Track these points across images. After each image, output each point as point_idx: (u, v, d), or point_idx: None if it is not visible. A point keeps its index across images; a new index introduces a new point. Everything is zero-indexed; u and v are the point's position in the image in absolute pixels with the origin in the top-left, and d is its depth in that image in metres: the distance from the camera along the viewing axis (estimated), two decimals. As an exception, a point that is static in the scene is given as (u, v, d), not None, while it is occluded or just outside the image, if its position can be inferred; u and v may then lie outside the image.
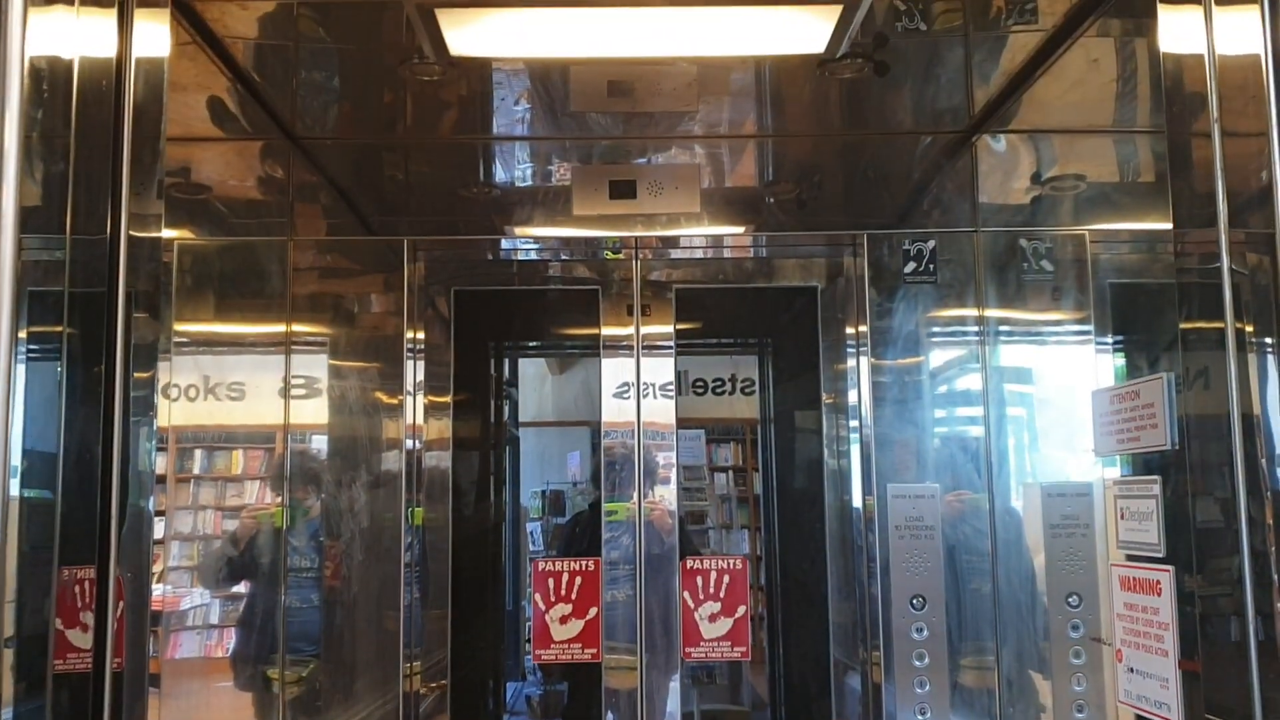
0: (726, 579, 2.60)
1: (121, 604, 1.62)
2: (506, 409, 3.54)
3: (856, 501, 2.68)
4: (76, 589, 1.55)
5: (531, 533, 3.76)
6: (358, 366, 2.76)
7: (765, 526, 3.15)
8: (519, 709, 3.43)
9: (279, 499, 2.40)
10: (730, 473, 3.68)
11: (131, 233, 1.66)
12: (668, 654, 2.59)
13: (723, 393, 3.49)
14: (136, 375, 1.67)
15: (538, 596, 2.59)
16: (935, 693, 2.44)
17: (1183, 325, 1.52)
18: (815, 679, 2.77)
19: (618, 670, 2.61)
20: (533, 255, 2.86)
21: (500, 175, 2.69)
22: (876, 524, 2.47)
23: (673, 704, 2.65)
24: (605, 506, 2.66)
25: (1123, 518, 1.77)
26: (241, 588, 2.27)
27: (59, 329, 1.53)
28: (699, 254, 2.83)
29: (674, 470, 2.70)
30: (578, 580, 2.58)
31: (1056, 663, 2.13)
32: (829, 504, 2.81)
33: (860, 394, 2.69)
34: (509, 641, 3.19)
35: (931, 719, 2.42)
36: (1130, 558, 1.77)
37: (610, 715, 2.63)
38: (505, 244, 2.86)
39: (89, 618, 1.57)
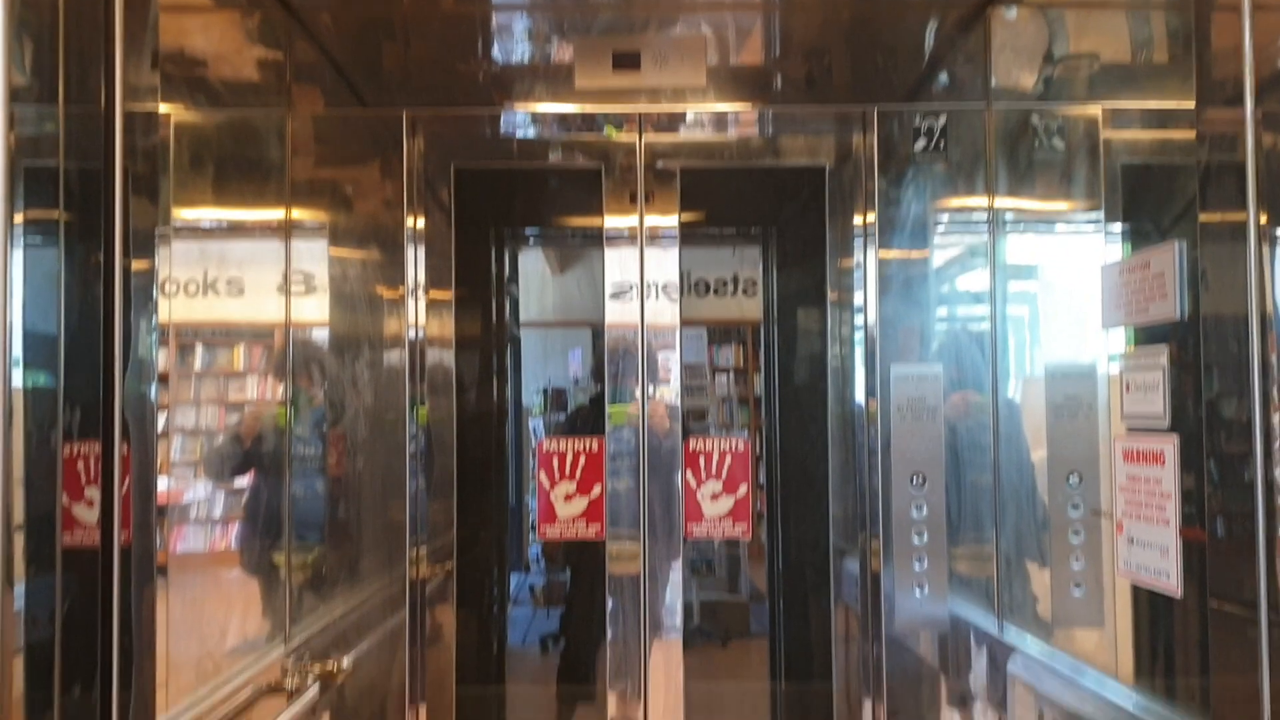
0: (729, 459, 2.62)
1: (128, 480, 1.63)
2: (508, 307, 3.53)
3: (859, 396, 2.68)
4: (81, 465, 1.56)
5: (534, 429, 3.78)
6: (358, 256, 2.74)
7: (766, 426, 3.16)
8: (522, 598, 3.48)
9: (281, 396, 2.40)
10: (732, 373, 3.68)
11: (127, 105, 1.63)
12: (669, 535, 2.62)
13: (725, 294, 3.49)
14: (135, 262, 1.66)
15: (542, 475, 2.62)
16: (933, 571, 2.47)
17: (1202, 216, 1.50)
18: (814, 568, 2.80)
19: (620, 559, 2.64)
20: (534, 132, 2.82)
21: (501, 47, 2.63)
22: (879, 405, 2.49)
23: (673, 595, 2.68)
24: (608, 409, 2.67)
25: (1128, 390, 1.78)
26: (246, 481, 2.28)
27: (55, 214, 1.52)
28: (704, 132, 2.78)
29: (676, 371, 2.69)
30: (581, 460, 2.60)
31: (1055, 542, 2.15)
32: (831, 401, 2.82)
33: (866, 283, 2.68)
34: (512, 534, 3.22)
35: (929, 594, 2.46)
36: (1133, 431, 1.77)
37: (612, 602, 2.66)
38: (506, 118, 2.81)
39: (94, 494, 1.58)
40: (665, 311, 2.68)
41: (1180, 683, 1.79)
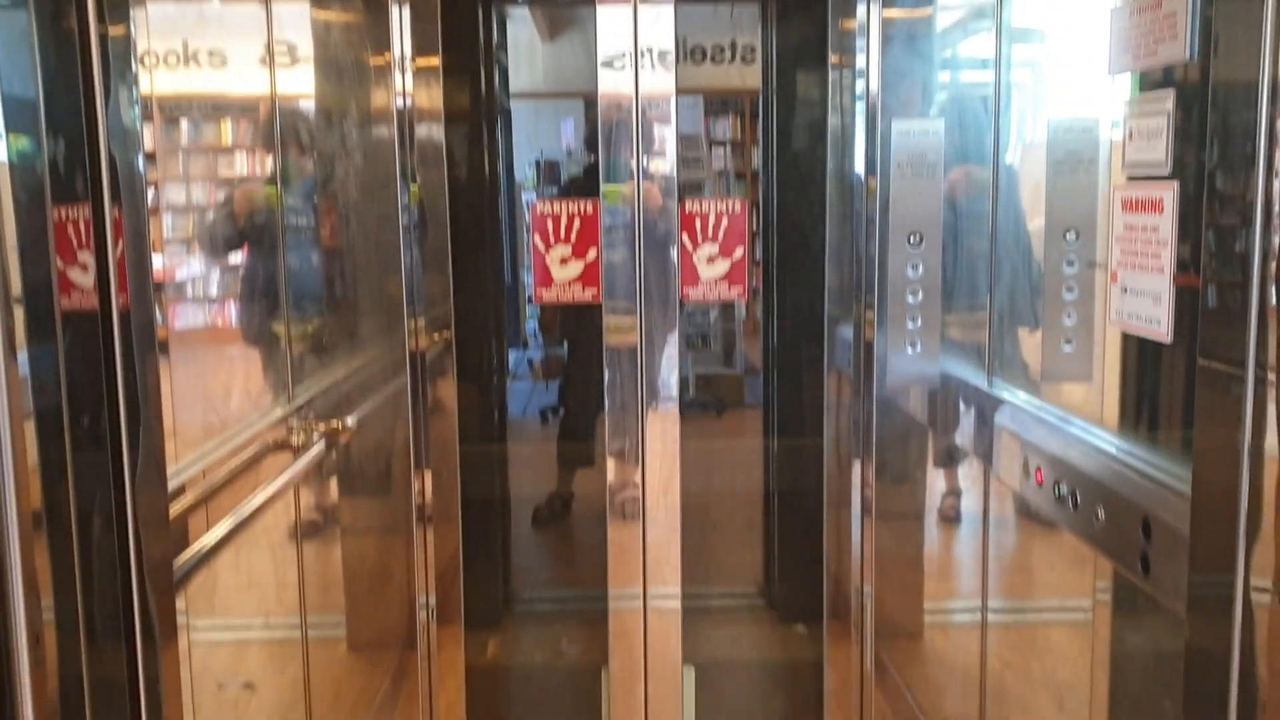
0: (725, 221, 2.61)
1: (121, 243, 1.62)
2: (498, 77, 3.43)
3: (859, 158, 2.64)
4: (72, 230, 1.54)
5: (527, 202, 3.75)
6: (343, 20, 2.64)
7: (764, 196, 3.13)
8: (521, 373, 3.54)
9: (272, 170, 2.36)
10: (729, 146, 3.63)
11: None
12: (665, 302, 2.63)
13: (723, 60, 3.38)
14: (111, 28, 1.59)
15: (537, 238, 2.61)
16: (926, 330, 2.50)
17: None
18: (808, 337, 2.83)
19: (618, 331, 2.67)
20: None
21: None
22: (879, 163, 2.45)
23: (669, 364, 2.72)
24: (603, 189, 2.63)
25: (1131, 138, 1.75)
26: (241, 257, 2.26)
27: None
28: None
29: (671, 142, 2.63)
30: (576, 222, 2.59)
31: (1049, 298, 2.17)
32: (830, 167, 2.78)
33: (869, 44, 2.59)
34: (509, 307, 3.25)
35: (921, 353, 2.50)
36: (1133, 180, 1.76)
37: (609, 373, 2.70)
38: None
39: (88, 259, 1.57)
40: (660, 79, 2.61)
41: (1163, 434, 1.84)
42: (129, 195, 1.63)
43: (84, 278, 1.59)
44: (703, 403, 3.42)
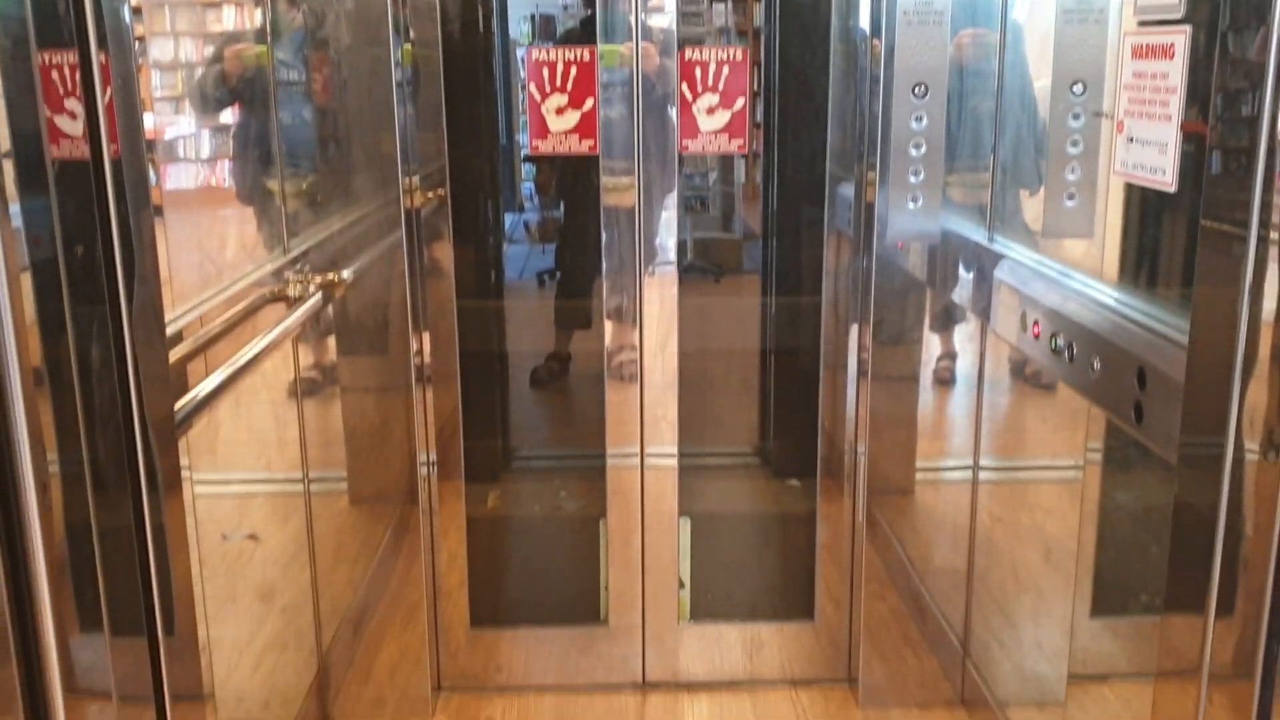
0: (726, 70, 2.56)
1: (109, 90, 1.58)
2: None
3: (863, 15, 2.58)
4: (57, 75, 1.50)
5: (521, 59, 3.66)
6: None
7: (765, 56, 3.05)
8: (517, 236, 3.51)
9: (261, 23, 2.30)
10: (729, 1, 3.52)
11: None
12: (664, 158, 2.60)
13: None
14: None
15: (532, 87, 2.56)
16: (928, 185, 2.48)
17: None
18: (809, 199, 2.80)
19: (615, 191, 2.64)
20: None
21: None
22: (884, 11, 2.39)
23: (665, 234, 2.70)
24: (600, 49, 2.55)
25: (1144, -19, 1.70)
26: (232, 115, 2.22)
27: None
28: None
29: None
30: (572, 70, 2.54)
31: (1053, 153, 2.14)
32: (835, 27, 2.70)
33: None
34: (504, 168, 3.20)
35: (923, 208, 2.48)
36: (1144, 25, 1.72)
37: (606, 234, 2.68)
38: None
39: (76, 106, 1.53)
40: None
41: (1162, 287, 1.84)
42: (116, 42, 1.59)
43: (73, 126, 1.55)
44: (701, 267, 3.41)
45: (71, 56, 1.54)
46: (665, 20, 2.57)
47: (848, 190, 2.69)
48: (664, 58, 2.55)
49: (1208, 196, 1.47)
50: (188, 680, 1.74)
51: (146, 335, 1.56)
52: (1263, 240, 1.36)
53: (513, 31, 3.53)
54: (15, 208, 1.39)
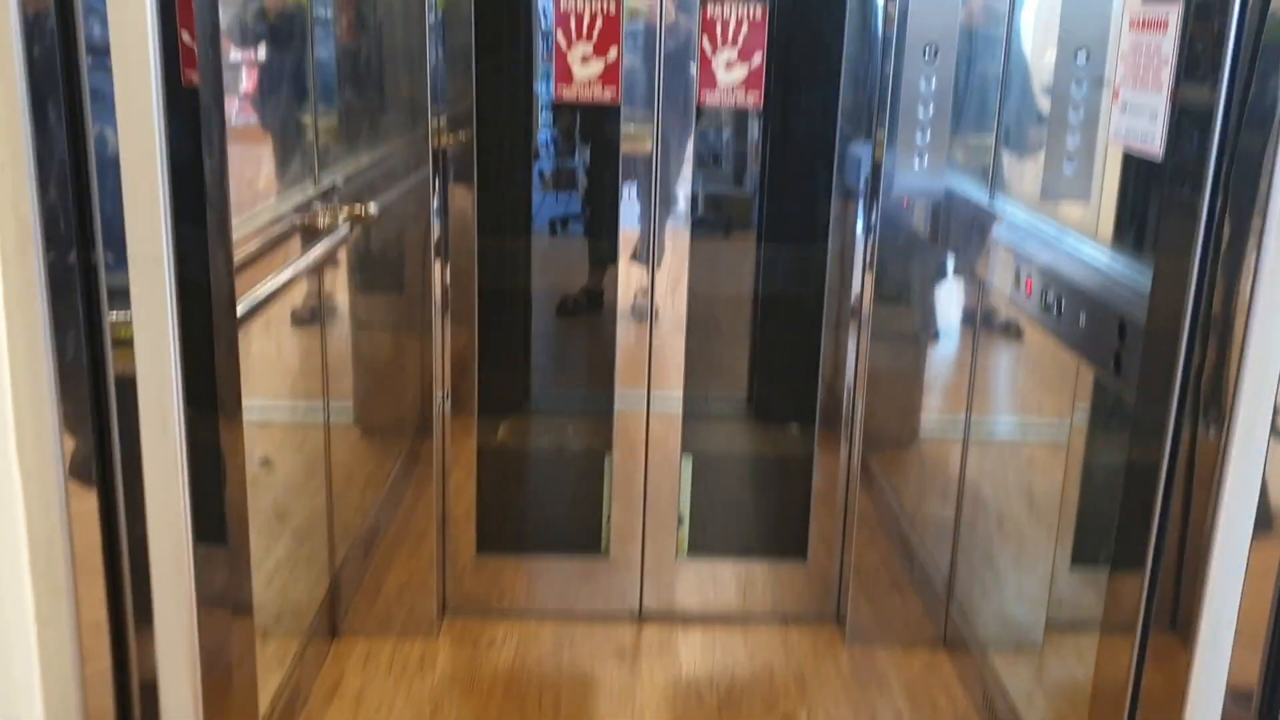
0: (745, 27, 2.64)
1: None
2: None
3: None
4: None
5: (545, 8, 3.72)
6: None
7: (782, 15, 3.12)
8: (540, 179, 3.60)
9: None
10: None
11: None
12: (683, 107, 2.68)
13: None
14: None
15: (559, 34, 2.65)
16: (934, 145, 2.57)
17: None
18: (820, 154, 2.88)
19: (634, 139, 2.72)
20: None
21: None
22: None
23: (680, 183, 2.79)
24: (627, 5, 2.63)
25: (1146, -44, 1.78)
26: (269, 50, 2.30)
27: None
28: None
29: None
30: (599, 21, 2.62)
31: (1054, 118, 2.23)
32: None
33: None
34: (529, 113, 3.28)
35: (928, 168, 2.58)
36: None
37: (624, 180, 2.77)
38: None
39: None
40: None
41: (1148, 252, 1.93)
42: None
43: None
44: (712, 220, 3.49)
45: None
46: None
47: (858, 149, 2.77)
48: (682, 13, 2.63)
49: (1171, 162, 1.57)
50: (241, 590, 1.86)
51: (219, 248, 1.66)
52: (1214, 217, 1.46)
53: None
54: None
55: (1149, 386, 1.59)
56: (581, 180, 3.28)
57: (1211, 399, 1.46)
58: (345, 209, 2.39)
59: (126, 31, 1.40)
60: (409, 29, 2.68)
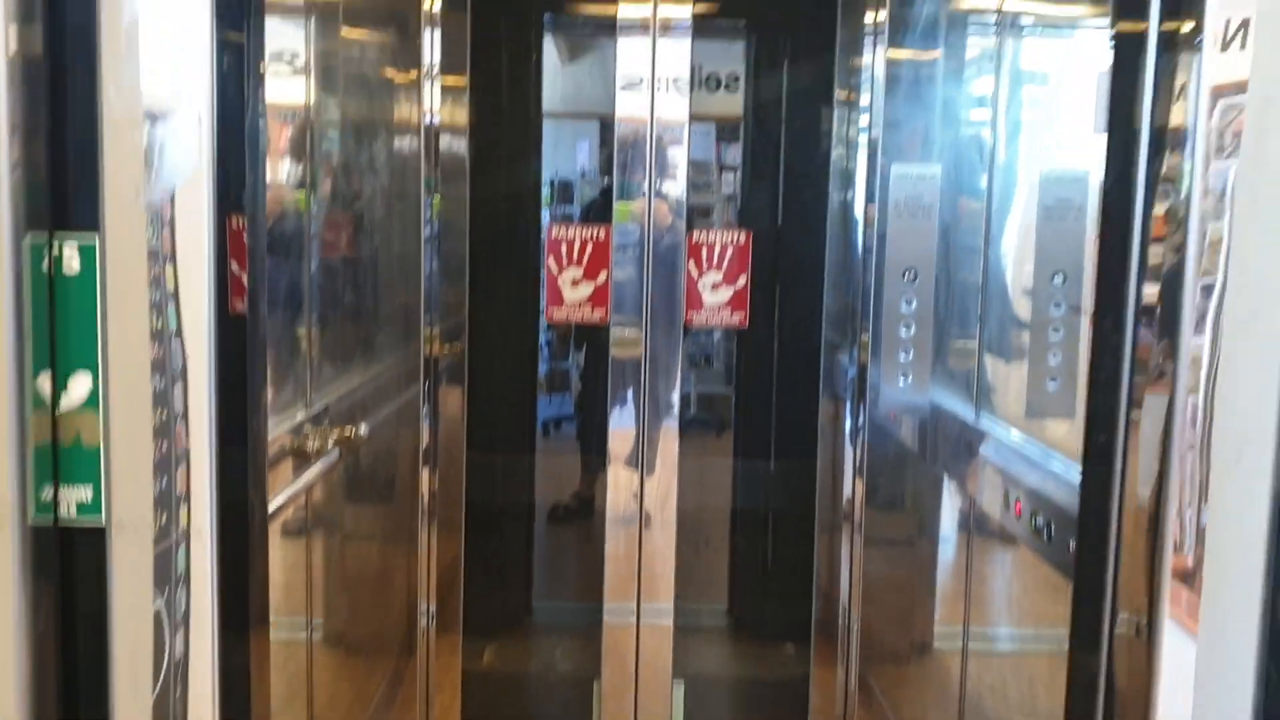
0: (730, 251, 2.71)
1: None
2: (519, 97, 3.54)
3: (859, 194, 2.75)
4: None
5: (543, 218, 3.84)
6: (374, 40, 2.75)
7: (769, 226, 3.24)
8: (529, 384, 3.63)
9: (302, 177, 2.46)
10: (738, 171, 3.73)
11: None
12: (670, 323, 2.73)
13: (736, 90, 3.50)
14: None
15: (551, 260, 2.72)
16: (918, 363, 2.60)
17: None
18: (805, 360, 2.93)
19: (623, 345, 2.77)
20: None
21: None
22: (878, 202, 2.56)
23: (670, 388, 2.81)
24: (615, 205, 2.73)
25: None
26: (269, 262, 2.35)
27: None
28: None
29: (683, 166, 2.73)
30: (589, 247, 2.70)
31: (1035, 338, 2.26)
32: (834, 187, 2.88)
33: (874, 83, 2.70)
34: (521, 323, 3.34)
35: (913, 384, 2.60)
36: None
37: (613, 391, 2.80)
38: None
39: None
40: (675, 106, 2.71)
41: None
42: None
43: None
44: (703, 420, 3.52)
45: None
46: (677, 188, 2.74)
47: (843, 358, 2.81)
48: (675, 218, 2.71)
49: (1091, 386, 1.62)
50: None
51: (259, 482, 1.68)
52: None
53: (536, 190, 3.73)
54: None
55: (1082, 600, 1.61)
56: (573, 390, 3.32)
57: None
58: (336, 431, 2.39)
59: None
60: (406, 240, 2.75)
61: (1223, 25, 1.37)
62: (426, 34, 2.75)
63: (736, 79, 3.48)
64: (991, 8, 2.46)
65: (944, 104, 2.60)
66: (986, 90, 2.48)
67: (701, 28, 2.94)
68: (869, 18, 2.75)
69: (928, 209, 2.53)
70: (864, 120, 2.72)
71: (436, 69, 2.80)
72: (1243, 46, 1.36)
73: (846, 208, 2.84)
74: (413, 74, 2.79)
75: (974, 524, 2.63)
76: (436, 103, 2.82)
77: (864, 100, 2.77)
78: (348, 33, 2.63)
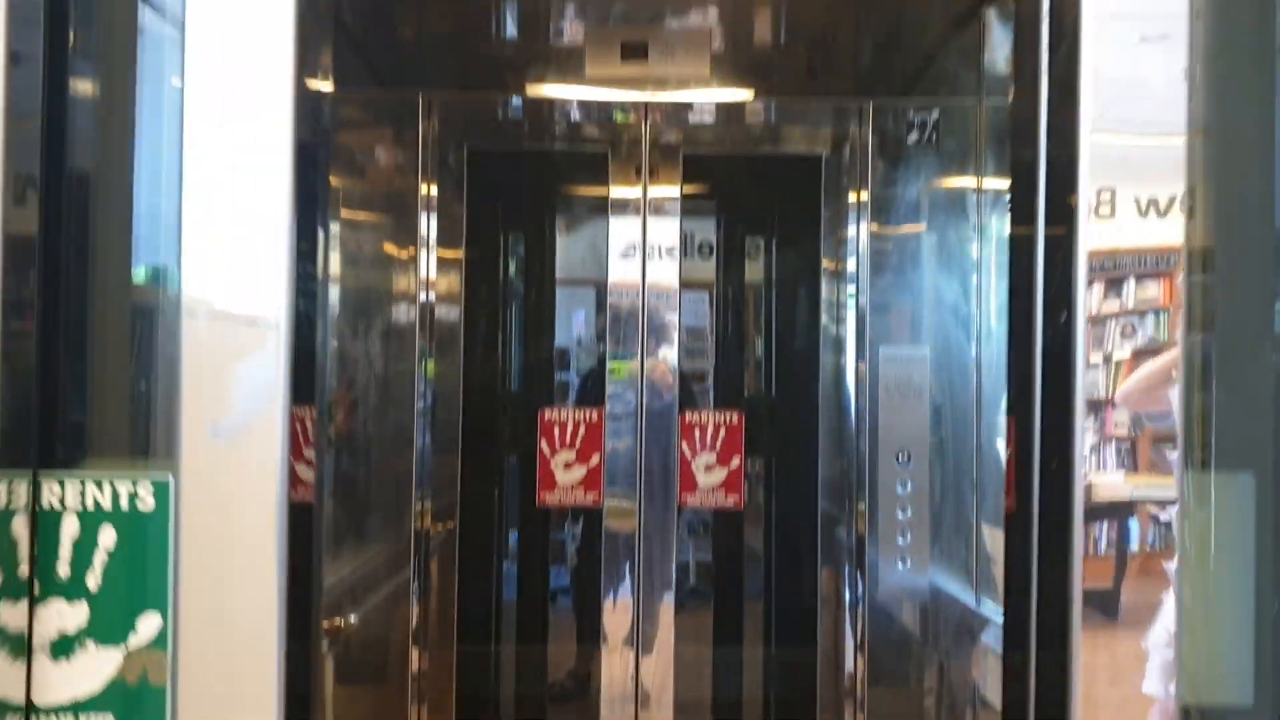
0: (723, 432, 2.72)
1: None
2: (514, 265, 3.61)
3: (850, 365, 2.78)
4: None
5: (536, 386, 3.85)
6: (372, 219, 2.81)
7: (764, 384, 3.25)
8: (518, 564, 3.59)
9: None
10: (733, 330, 3.76)
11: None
12: (665, 500, 2.72)
13: (729, 253, 3.57)
14: None
15: (543, 443, 2.72)
16: (916, 545, 2.58)
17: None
18: (804, 531, 2.90)
19: (617, 512, 2.75)
20: (544, 115, 2.89)
21: (515, 34, 2.70)
22: (868, 384, 2.58)
23: (666, 559, 2.78)
24: (609, 365, 2.75)
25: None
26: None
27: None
28: (707, 119, 2.86)
29: (677, 331, 2.77)
30: (581, 430, 2.70)
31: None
32: (824, 367, 2.91)
33: (859, 261, 2.76)
34: (511, 493, 3.32)
35: (912, 568, 2.57)
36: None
37: (607, 564, 2.77)
38: (517, 102, 2.89)
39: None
40: (666, 275, 2.76)
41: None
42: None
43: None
44: (700, 593, 3.46)
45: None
46: (671, 354, 2.76)
47: (840, 533, 2.79)
48: (662, 421, 2.72)
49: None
50: None
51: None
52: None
53: (529, 362, 3.76)
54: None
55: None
56: (568, 566, 3.28)
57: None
58: (326, 623, 2.35)
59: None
60: (400, 413, 2.74)
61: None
62: (423, 216, 2.82)
63: (726, 249, 3.55)
64: (970, 187, 2.53)
65: (930, 283, 2.64)
66: (970, 268, 2.53)
67: (691, 207, 3.02)
68: (852, 197, 2.83)
69: (918, 390, 2.55)
70: (850, 301, 2.77)
71: (433, 245, 2.86)
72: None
73: (839, 375, 2.86)
74: (410, 250, 2.84)
75: (979, 705, 2.56)
76: (433, 275, 2.87)
77: (850, 268, 2.82)
78: (348, 214, 2.69)
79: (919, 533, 2.58)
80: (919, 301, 2.63)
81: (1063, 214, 1.57)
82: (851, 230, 2.84)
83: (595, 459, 2.71)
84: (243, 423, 1.44)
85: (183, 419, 1.42)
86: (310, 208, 1.65)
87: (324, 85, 2.24)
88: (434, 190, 2.84)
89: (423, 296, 2.84)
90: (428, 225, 2.85)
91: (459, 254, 2.98)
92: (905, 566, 2.58)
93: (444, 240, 2.90)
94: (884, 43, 2.71)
